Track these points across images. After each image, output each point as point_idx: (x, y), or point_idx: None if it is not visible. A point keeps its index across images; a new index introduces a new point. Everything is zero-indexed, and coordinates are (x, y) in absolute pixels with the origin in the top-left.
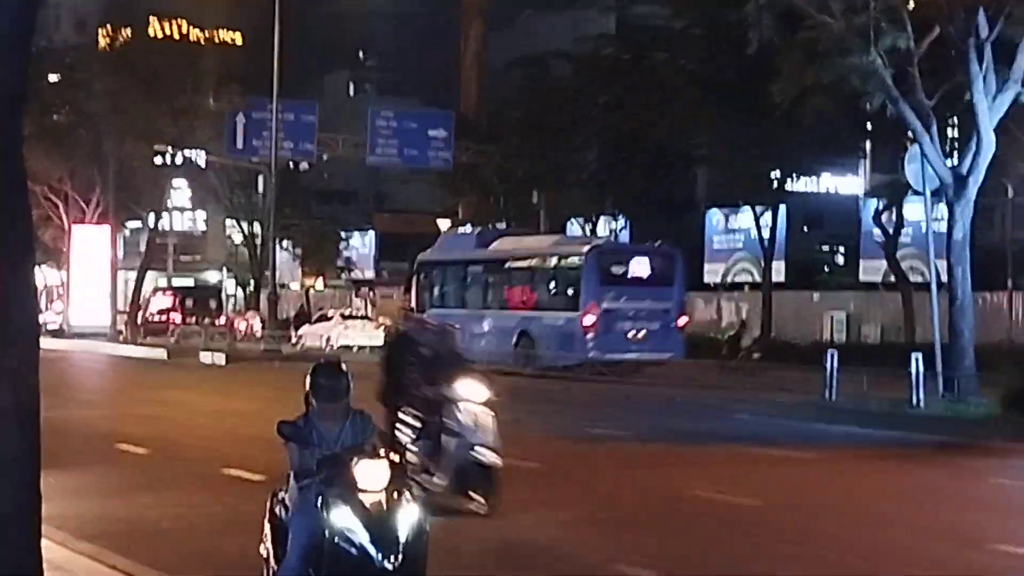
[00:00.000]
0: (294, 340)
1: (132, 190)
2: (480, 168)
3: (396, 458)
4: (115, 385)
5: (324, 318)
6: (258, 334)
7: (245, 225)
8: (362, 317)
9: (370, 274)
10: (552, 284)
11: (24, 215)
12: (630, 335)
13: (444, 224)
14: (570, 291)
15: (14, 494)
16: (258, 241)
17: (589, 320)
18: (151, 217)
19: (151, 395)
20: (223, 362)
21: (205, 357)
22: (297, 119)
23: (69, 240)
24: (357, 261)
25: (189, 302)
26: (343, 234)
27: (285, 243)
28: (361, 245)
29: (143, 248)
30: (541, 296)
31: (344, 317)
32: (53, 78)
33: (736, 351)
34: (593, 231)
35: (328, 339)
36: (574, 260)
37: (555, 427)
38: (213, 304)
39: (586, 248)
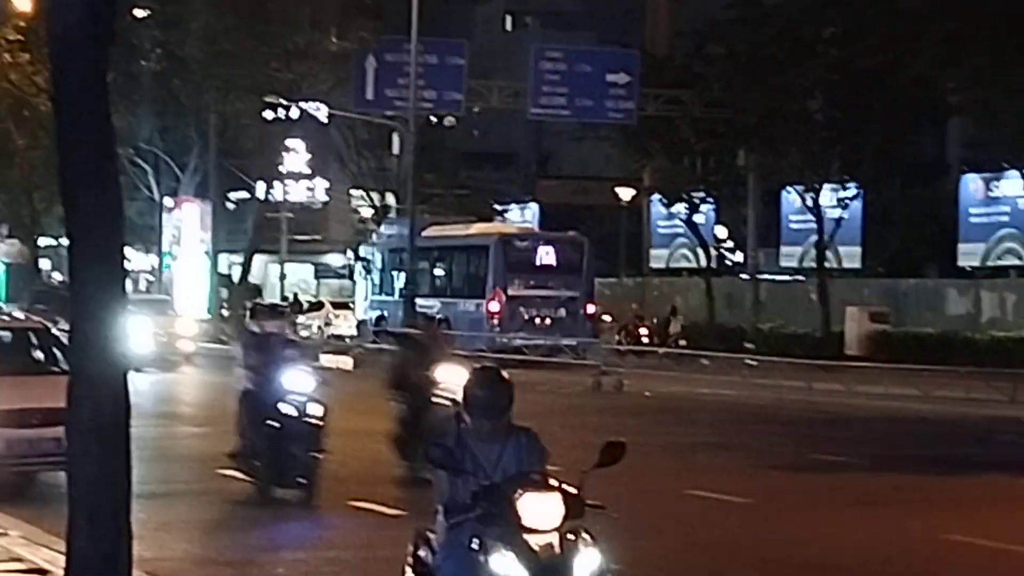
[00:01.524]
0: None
1: (237, 153)
2: (672, 122)
3: (573, 488)
4: (218, 396)
5: (318, 305)
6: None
7: (376, 196)
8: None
9: None
10: (465, 271)
11: (112, 184)
12: (536, 322)
13: (626, 193)
14: (480, 278)
15: (97, 531)
16: (392, 215)
17: (495, 307)
18: (260, 186)
19: None
20: (350, 367)
21: (327, 360)
22: (441, 62)
23: (160, 215)
24: None
25: None
26: (498, 206)
27: (426, 217)
28: (520, 219)
29: (250, 225)
30: (456, 283)
31: (335, 305)
32: (139, 14)
33: (665, 337)
34: (815, 201)
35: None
36: (483, 248)
37: (764, 453)
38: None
39: (494, 236)
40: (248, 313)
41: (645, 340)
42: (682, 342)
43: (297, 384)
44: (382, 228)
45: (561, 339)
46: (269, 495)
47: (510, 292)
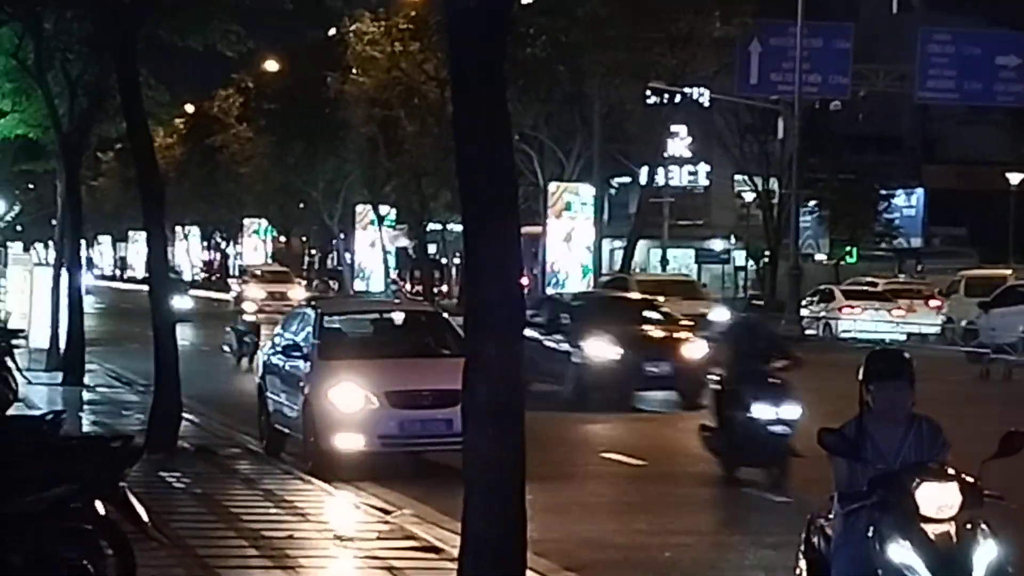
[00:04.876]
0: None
1: (620, 138)
2: None
3: (971, 479)
4: None
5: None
6: None
7: (759, 180)
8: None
9: (916, 242)
10: None
11: (507, 170)
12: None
13: (1016, 178)
14: None
15: (492, 512)
16: (775, 201)
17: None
18: (643, 171)
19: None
20: None
21: None
22: (827, 46)
23: (544, 201)
24: (901, 225)
25: None
26: (883, 191)
27: (810, 203)
28: (906, 205)
29: (633, 210)
30: None
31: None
32: (525, 1)
33: None
34: None
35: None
36: None
37: None
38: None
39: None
40: None
41: None
42: None
43: None
44: None
45: None
46: None
47: None
